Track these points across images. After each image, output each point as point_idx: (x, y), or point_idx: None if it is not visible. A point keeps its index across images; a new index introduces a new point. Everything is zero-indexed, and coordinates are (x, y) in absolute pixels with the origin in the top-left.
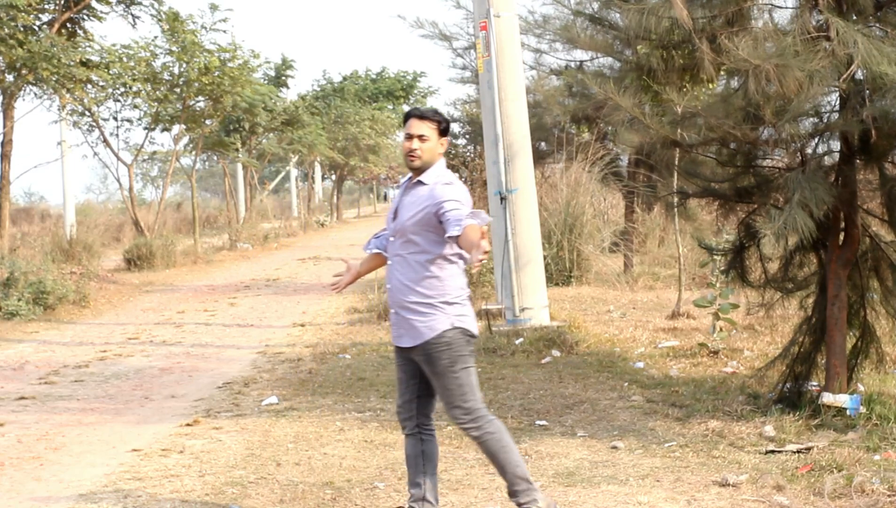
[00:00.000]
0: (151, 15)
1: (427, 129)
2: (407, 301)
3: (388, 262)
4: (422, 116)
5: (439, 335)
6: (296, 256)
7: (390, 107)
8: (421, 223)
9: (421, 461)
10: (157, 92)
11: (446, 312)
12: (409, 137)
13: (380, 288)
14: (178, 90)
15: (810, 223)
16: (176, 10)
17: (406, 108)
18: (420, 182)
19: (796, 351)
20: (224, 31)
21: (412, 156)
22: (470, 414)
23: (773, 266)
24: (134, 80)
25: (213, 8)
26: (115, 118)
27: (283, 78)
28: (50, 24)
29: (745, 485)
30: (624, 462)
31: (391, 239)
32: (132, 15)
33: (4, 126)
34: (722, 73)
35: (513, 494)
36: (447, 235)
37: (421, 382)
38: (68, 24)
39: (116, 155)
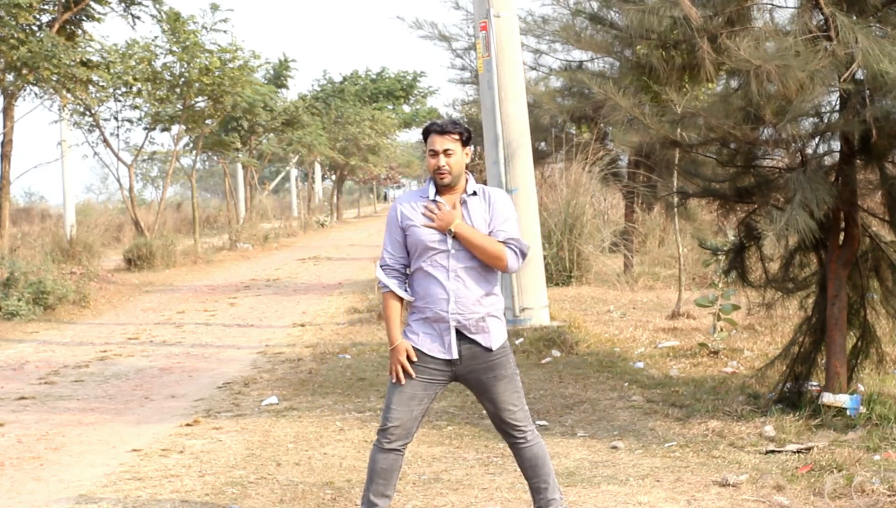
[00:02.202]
0: (152, 15)
1: (450, 142)
2: (478, 311)
3: (432, 275)
4: (442, 130)
5: (504, 343)
6: (296, 256)
7: (390, 107)
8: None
9: (398, 474)
10: (158, 92)
11: (503, 321)
12: (435, 153)
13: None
14: (178, 90)
15: (812, 224)
16: (177, 11)
17: (406, 108)
18: (471, 193)
19: (796, 351)
20: (224, 32)
21: (441, 174)
22: (529, 418)
23: (774, 266)
24: (135, 79)
25: (214, 8)
26: (116, 118)
27: (283, 78)
28: (50, 24)
29: (745, 485)
30: (624, 462)
31: (451, 252)
32: (132, 15)
33: (4, 126)
34: (722, 72)
35: (549, 503)
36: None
37: (431, 401)
38: (68, 25)
39: (116, 155)
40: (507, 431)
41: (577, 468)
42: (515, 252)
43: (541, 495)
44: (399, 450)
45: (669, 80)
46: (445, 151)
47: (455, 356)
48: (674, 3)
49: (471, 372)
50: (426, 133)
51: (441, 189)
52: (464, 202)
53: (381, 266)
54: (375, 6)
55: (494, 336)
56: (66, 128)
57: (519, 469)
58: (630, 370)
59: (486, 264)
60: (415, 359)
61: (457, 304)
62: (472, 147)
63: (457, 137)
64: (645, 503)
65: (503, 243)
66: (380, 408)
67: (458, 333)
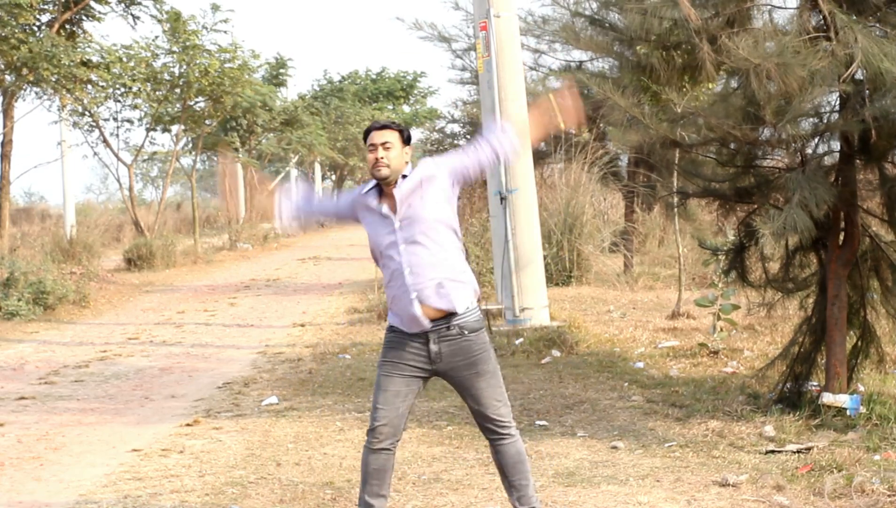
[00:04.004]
0: (152, 15)
1: (389, 135)
2: (434, 276)
3: (390, 256)
4: (382, 126)
5: (477, 323)
6: (296, 256)
7: (390, 107)
8: (436, 192)
9: (391, 473)
10: (157, 92)
11: (468, 286)
12: (374, 147)
13: (379, 288)
14: (178, 91)
15: (810, 224)
16: (178, 10)
17: (406, 108)
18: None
19: (796, 351)
20: (225, 32)
21: (379, 166)
22: (511, 414)
23: (774, 266)
24: (134, 80)
25: (215, 8)
26: (115, 119)
27: (281, 77)
28: (50, 24)
29: (745, 485)
30: (624, 462)
31: (398, 226)
32: (132, 15)
33: (4, 126)
34: (721, 72)
35: (530, 499)
36: (494, 149)
37: (415, 397)
38: (68, 25)
39: (116, 155)
40: (490, 428)
41: (577, 468)
42: (495, 137)
43: (521, 493)
44: (389, 449)
45: (669, 80)
46: (384, 144)
47: (426, 324)
48: (674, 4)
49: (451, 369)
50: (367, 131)
51: (381, 185)
52: (397, 186)
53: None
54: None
55: (456, 298)
56: (66, 128)
57: (496, 467)
58: (630, 370)
59: (435, 233)
60: None
61: (412, 275)
62: (411, 148)
63: (396, 132)
64: (645, 503)
65: (486, 143)
66: None
67: (421, 304)
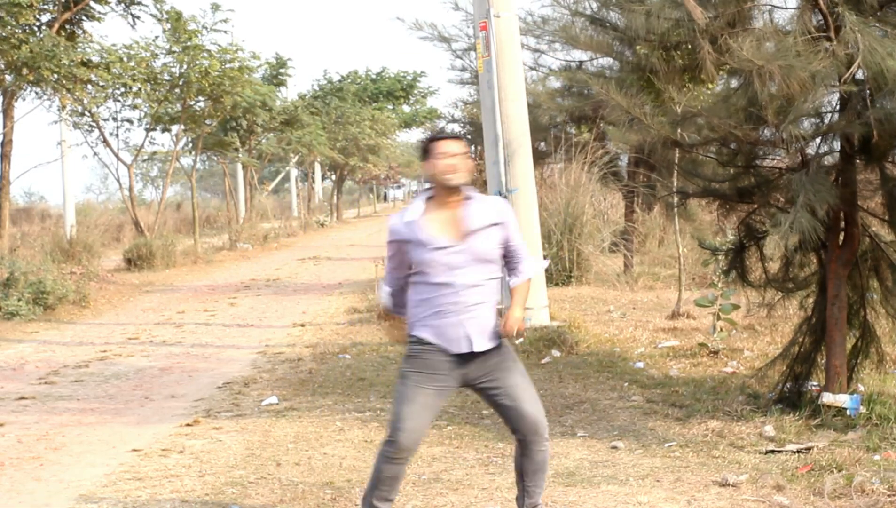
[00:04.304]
0: (152, 15)
1: (458, 147)
2: (478, 300)
3: (436, 278)
4: (451, 137)
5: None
6: (296, 256)
7: (390, 107)
8: (494, 238)
9: (402, 479)
10: (157, 93)
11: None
12: (444, 154)
13: (380, 288)
14: (178, 91)
15: (816, 225)
16: (179, 10)
17: (406, 108)
18: (467, 197)
19: (796, 351)
20: (225, 32)
21: (454, 172)
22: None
23: (774, 266)
24: (134, 80)
25: (215, 8)
26: (115, 119)
27: (281, 77)
28: (50, 24)
29: (745, 485)
30: (624, 462)
31: (452, 248)
32: (132, 15)
33: (4, 126)
34: (722, 73)
35: (535, 506)
36: (518, 277)
37: (439, 410)
38: (68, 25)
39: (116, 155)
40: (526, 428)
41: (577, 468)
42: (528, 265)
43: (531, 499)
44: (406, 459)
45: (670, 80)
46: (454, 154)
47: (466, 348)
48: (677, 4)
49: (484, 373)
50: (432, 140)
51: (443, 193)
52: (464, 203)
53: (385, 287)
54: (375, 6)
55: (493, 334)
56: (66, 128)
57: (515, 467)
58: (630, 370)
59: (488, 271)
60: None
61: (463, 302)
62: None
63: (461, 142)
64: (645, 503)
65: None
66: (380, 408)
67: (465, 326)
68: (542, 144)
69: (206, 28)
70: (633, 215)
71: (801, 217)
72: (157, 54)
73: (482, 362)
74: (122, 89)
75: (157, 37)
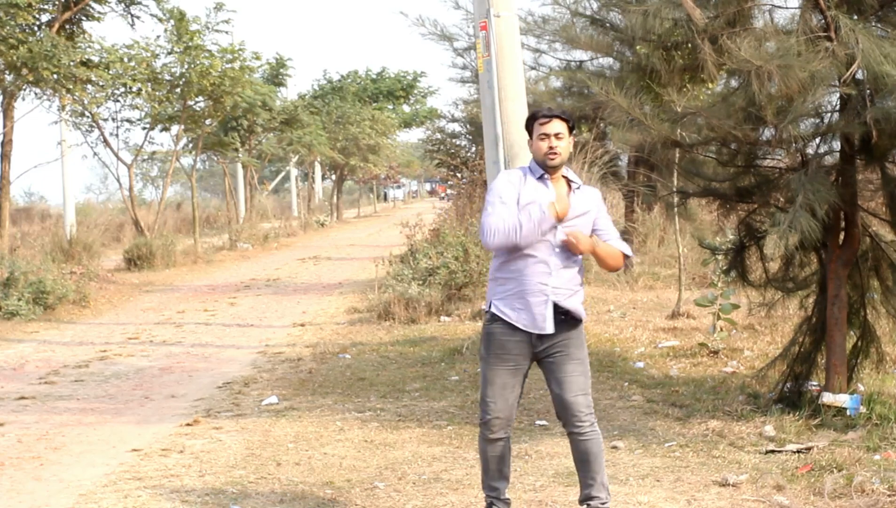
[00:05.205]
0: (153, 15)
1: (560, 126)
2: (569, 288)
3: (530, 253)
4: (554, 115)
5: (584, 319)
6: (296, 256)
7: (390, 107)
8: (586, 221)
9: (510, 456)
10: (158, 93)
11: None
12: (546, 136)
13: (380, 288)
14: (178, 90)
15: (815, 225)
16: (182, 10)
17: (406, 108)
18: (567, 180)
19: (796, 351)
20: (227, 32)
21: (554, 154)
22: (592, 411)
23: (774, 266)
24: (134, 80)
25: (219, 7)
26: (114, 119)
27: (281, 77)
28: (49, 24)
29: (745, 485)
30: (624, 462)
31: (551, 235)
32: (132, 15)
33: (4, 126)
34: (722, 72)
35: (590, 499)
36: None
37: (523, 385)
38: (67, 25)
39: (116, 155)
40: (566, 418)
41: None
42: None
43: (585, 490)
44: (505, 437)
45: (670, 80)
46: (556, 134)
47: (551, 329)
48: (676, 4)
49: (549, 348)
50: (535, 117)
51: (549, 171)
52: (573, 192)
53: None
54: (375, 6)
55: (581, 308)
56: (66, 128)
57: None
58: (630, 369)
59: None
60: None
61: (556, 276)
62: (574, 136)
63: (565, 122)
64: (645, 503)
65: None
66: (380, 408)
67: (554, 306)
68: None
69: (209, 28)
70: (634, 215)
71: (801, 217)
72: (157, 54)
73: (554, 335)
74: (122, 89)
75: (158, 36)
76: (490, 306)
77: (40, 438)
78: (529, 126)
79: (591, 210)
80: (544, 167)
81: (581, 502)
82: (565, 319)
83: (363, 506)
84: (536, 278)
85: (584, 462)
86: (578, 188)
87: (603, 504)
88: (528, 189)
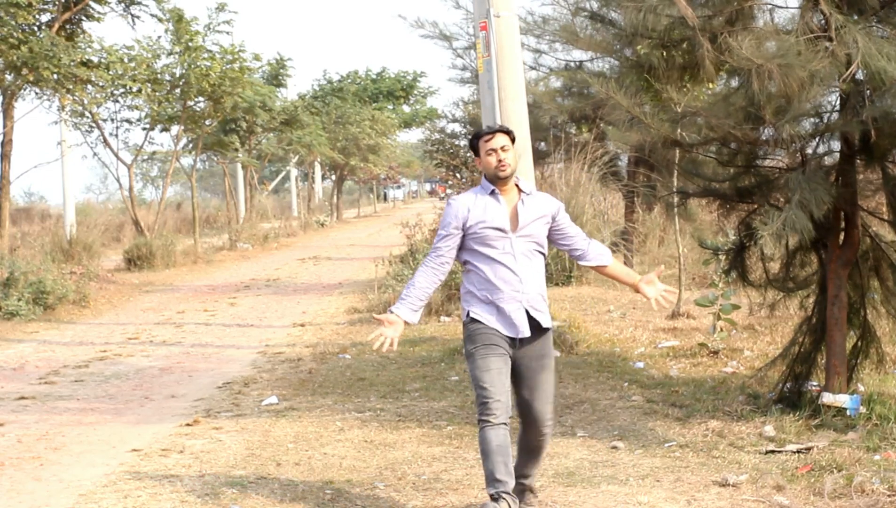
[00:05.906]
0: (152, 15)
1: (503, 140)
2: (538, 293)
3: (498, 261)
4: (495, 131)
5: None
6: (296, 256)
7: (390, 107)
8: (542, 225)
9: (511, 449)
10: (158, 93)
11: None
12: (493, 151)
13: (380, 288)
14: (178, 91)
15: (808, 224)
16: (181, 10)
17: (406, 108)
18: (528, 193)
19: (796, 351)
20: (227, 33)
21: (503, 166)
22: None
23: (774, 266)
24: (134, 80)
25: (221, 7)
26: (114, 119)
27: (281, 77)
28: (50, 24)
29: (745, 485)
30: (624, 462)
31: (513, 238)
32: (132, 15)
33: (4, 126)
34: (722, 72)
35: (528, 485)
36: (599, 263)
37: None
38: (68, 25)
39: (116, 155)
40: (531, 422)
41: (577, 468)
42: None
43: (522, 480)
44: (506, 424)
45: (670, 79)
46: (502, 148)
47: (528, 332)
48: (670, 3)
49: (525, 356)
50: (476, 138)
51: (499, 183)
52: (523, 201)
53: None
54: (375, 6)
55: (547, 316)
56: (66, 128)
57: (516, 447)
58: (630, 370)
59: (535, 249)
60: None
61: (525, 284)
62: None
63: (506, 135)
64: (645, 503)
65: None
66: (380, 408)
67: (526, 313)
68: (542, 143)
69: (210, 28)
70: (634, 215)
71: (795, 215)
72: (158, 55)
73: (528, 341)
74: (122, 90)
75: (159, 37)
76: (468, 315)
77: (40, 438)
78: (475, 145)
79: (547, 214)
80: (495, 180)
81: (517, 478)
82: (538, 325)
83: (363, 506)
84: (510, 284)
85: (531, 456)
86: (529, 195)
87: (527, 479)
88: (477, 209)
